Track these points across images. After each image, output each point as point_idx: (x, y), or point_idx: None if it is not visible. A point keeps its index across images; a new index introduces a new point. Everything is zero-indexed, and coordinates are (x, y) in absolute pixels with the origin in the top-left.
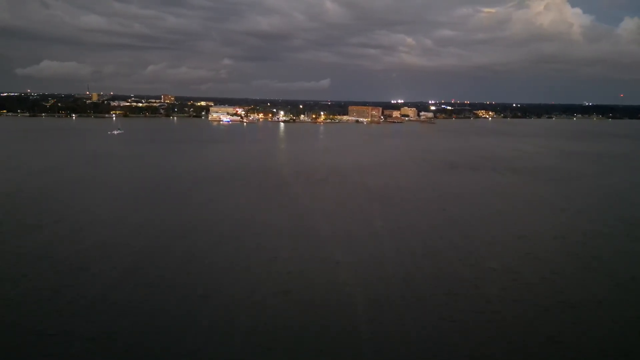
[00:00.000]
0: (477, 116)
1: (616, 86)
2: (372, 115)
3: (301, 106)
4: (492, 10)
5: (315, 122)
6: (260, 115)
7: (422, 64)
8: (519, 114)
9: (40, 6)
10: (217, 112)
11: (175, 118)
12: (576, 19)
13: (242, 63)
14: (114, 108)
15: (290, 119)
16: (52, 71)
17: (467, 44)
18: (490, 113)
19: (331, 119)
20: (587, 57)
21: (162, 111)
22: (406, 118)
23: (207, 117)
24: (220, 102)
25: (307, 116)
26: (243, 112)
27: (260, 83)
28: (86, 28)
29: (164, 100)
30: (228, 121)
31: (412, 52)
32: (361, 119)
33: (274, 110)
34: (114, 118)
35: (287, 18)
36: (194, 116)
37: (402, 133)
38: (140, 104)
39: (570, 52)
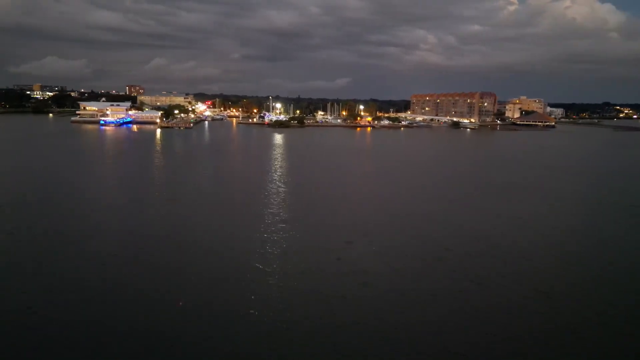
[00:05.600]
0: (622, 115)
1: None
2: (481, 109)
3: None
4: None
5: (354, 125)
6: (230, 111)
7: (444, 63)
8: None
9: (53, 2)
10: (118, 105)
11: (52, 115)
12: (611, 15)
13: (256, 63)
14: None
15: (291, 119)
16: (52, 69)
17: (493, 41)
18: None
19: (391, 119)
20: (622, 55)
21: (28, 105)
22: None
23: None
24: (224, 98)
25: (332, 114)
26: (193, 103)
27: (272, 82)
28: (97, 25)
29: (130, 93)
30: (121, 122)
31: (434, 50)
32: (462, 120)
33: (267, 103)
34: None
35: (302, 12)
36: None
37: None
38: None
39: (604, 50)
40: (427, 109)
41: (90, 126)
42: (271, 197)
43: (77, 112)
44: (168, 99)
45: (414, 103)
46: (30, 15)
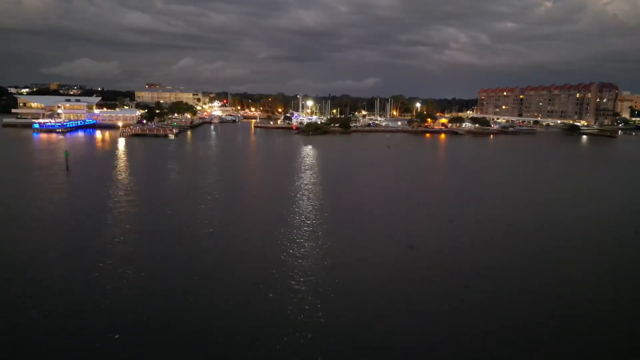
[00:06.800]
0: None
1: None
2: (598, 107)
3: (346, 102)
4: None
5: (422, 129)
6: (248, 111)
7: (476, 62)
8: None
9: (87, 5)
10: (78, 100)
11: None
12: None
13: (283, 63)
14: None
15: (331, 121)
16: (84, 70)
17: (528, 39)
18: None
19: (478, 122)
20: None
21: None
22: None
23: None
24: (244, 97)
25: (383, 115)
26: (203, 101)
27: (298, 82)
28: (129, 27)
29: (137, 94)
30: (73, 125)
31: (466, 49)
32: (591, 126)
33: (295, 101)
34: None
35: (331, 11)
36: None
37: None
38: None
39: None
40: (504, 107)
41: (25, 133)
42: None
43: (15, 110)
44: (173, 95)
45: (482, 99)
46: (65, 18)
